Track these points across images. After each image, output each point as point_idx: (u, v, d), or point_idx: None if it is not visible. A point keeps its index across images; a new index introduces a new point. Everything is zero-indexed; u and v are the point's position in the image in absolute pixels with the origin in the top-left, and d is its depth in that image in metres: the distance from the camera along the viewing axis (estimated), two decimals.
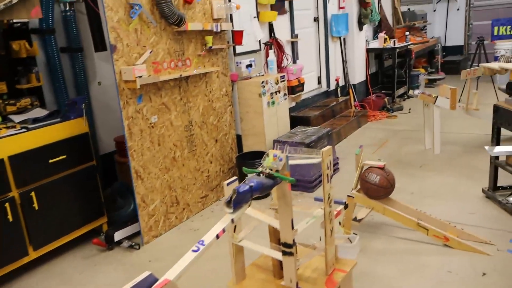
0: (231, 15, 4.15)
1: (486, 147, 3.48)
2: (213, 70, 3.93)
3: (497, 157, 3.52)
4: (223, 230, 1.66)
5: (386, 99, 7.02)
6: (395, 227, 3.34)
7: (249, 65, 4.35)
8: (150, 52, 3.27)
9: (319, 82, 6.44)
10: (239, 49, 4.31)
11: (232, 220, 1.69)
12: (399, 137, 5.63)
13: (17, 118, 3.23)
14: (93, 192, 3.48)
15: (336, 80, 6.47)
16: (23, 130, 3.05)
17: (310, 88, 6.23)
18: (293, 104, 5.63)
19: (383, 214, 3.17)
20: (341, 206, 2.36)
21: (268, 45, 4.72)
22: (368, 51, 7.23)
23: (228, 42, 4.12)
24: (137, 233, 3.48)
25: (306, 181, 4.21)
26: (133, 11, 3.10)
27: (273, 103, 4.40)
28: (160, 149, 3.52)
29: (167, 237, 3.60)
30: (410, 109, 6.91)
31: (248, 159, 4.17)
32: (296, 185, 4.24)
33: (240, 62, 4.28)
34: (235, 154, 4.39)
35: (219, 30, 3.82)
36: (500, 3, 9.83)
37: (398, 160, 4.79)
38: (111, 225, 3.60)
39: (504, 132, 3.55)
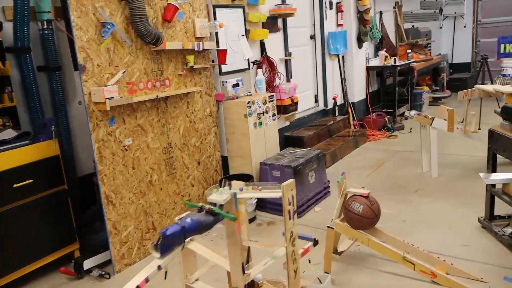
0: (216, 34, 4.02)
1: (481, 174, 3.25)
2: (195, 90, 3.79)
3: (493, 185, 3.28)
4: (146, 280, 1.47)
5: (386, 118, 6.80)
6: (382, 260, 3.11)
7: (236, 85, 4.20)
8: (123, 73, 3.14)
9: (316, 101, 6.26)
10: (225, 68, 4.17)
11: (159, 267, 1.50)
12: (397, 159, 5.40)
13: None
14: (64, 217, 3.32)
15: (333, 98, 6.28)
16: None
17: (307, 107, 6.06)
18: (287, 123, 5.45)
19: (367, 246, 2.95)
20: (310, 243, 2.15)
21: (256, 64, 4.57)
22: (369, 69, 7.04)
23: (213, 61, 3.98)
24: (110, 261, 3.31)
25: None
26: (104, 30, 2.98)
27: (260, 124, 4.23)
28: (135, 173, 3.37)
29: (142, 265, 3.40)
30: (411, 128, 6.67)
31: None
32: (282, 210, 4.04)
33: (226, 82, 4.13)
34: (220, 176, 4.21)
35: (201, 49, 3.68)
36: (508, 20, 9.60)
37: (394, 183, 4.56)
38: (86, 251, 3.44)
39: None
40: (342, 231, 3.02)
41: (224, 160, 4.33)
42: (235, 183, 2.11)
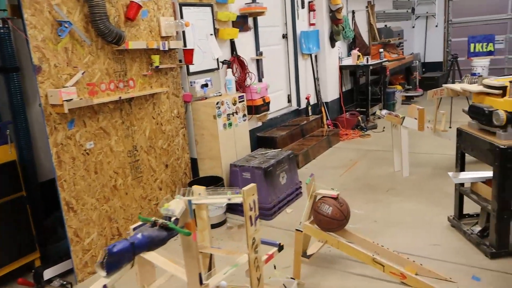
0: (184, 33, 3.91)
1: (450, 174, 3.25)
2: (161, 91, 3.67)
3: (462, 184, 3.28)
4: None
5: (360, 118, 6.81)
6: (352, 262, 3.07)
7: (205, 85, 4.10)
8: (83, 73, 3.00)
9: (289, 101, 6.21)
10: (193, 68, 4.06)
11: (105, 287, 1.40)
12: (370, 158, 5.39)
13: None
14: (23, 225, 3.17)
15: (306, 98, 6.25)
16: None
17: (279, 107, 6.00)
18: (259, 124, 5.38)
19: (337, 248, 2.90)
20: (274, 249, 2.08)
21: (226, 64, 4.48)
22: (342, 68, 7.04)
23: (180, 61, 3.87)
24: (72, 270, 3.17)
25: (263, 208, 3.93)
26: (61, 29, 2.84)
27: (230, 125, 4.14)
28: (98, 178, 3.23)
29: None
30: (384, 127, 6.70)
31: (202, 185, 3.88)
32: None
33: (195, 82, 4.03)
34: (189, 179, 4.10)
35: (166, 49, 3.57)
36: (478, 20, 9.78)
37: (366, 183, 4.54)
38: (48, 260, 3.28)
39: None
40: (311, 233, 2.96)
41: (194, 162, 4.23)
42: (196, 188, 2.02)
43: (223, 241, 3.62)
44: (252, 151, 4.58)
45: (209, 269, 2.10)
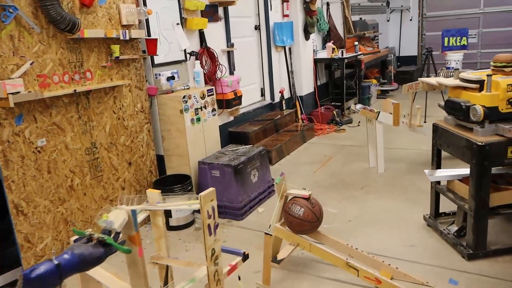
0: (147, 22, 3.65)
1: (426, 171, 3.12)
2: (123, 84, 3.41)
3: (438, 182, 3.17)
4: None
5: (335, 112, 6.68)
6: (326, 265, 2.91)
7: (171, 77, 3.86)
8: (31, 64, 2.72)
9: (262, 94, 6.02)
10: (158, 59, 3.81)
11: None
12: (344, 153, 5.27)
13: None
14: None
15: (280, 92, 6.07)
16: None
17: (252, 100, 5.81)
18: (231, 118, 5.18)
19: (309, 252, 2.73)
20: (238, 258, 1.89)
21: (194, 55, 4.24)
22: (316, 61, 6.88)
23: (144, 52, 3.62)
24: None
25: (233, 208, 3.74)
26: (4, 14, 2.55)
27: (198, 119, 3.91)
28: (51, 178, 2.97)
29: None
30: (359, 122, 6.59)
31: (168, 184, 3.66)
32: (223, 212, 3.78)
33: (160, 74, 3.78)
34: (155, 177, 3.87)
35: (127, 38, 3.31)
36: (452, 14, 9.79)
37: (341, 180, 4.40)
38: (1, 267, 3.01)
39: None
40: (282, 236, 2.79)
41: (160, 159, 3.99)
42: (150, 193, 1.81)
43: (190, 243, 3.42)
44: (223, 147, 4.38)
45: (166, 282, 1.90)
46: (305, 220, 2.67)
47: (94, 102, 3.24)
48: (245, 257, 1.89)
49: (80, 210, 3.20)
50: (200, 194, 1.55)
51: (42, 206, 2.92)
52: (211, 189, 1.59)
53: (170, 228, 3.64)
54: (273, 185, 4.28)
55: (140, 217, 1.57)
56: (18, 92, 2.60)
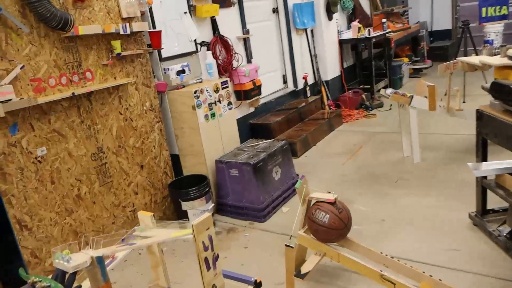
0: (151, 12, 3.37)
1: (470, 165, 2.72)
2: (128, 82, 3.16)
3: (485, 176, 2.76)
4: None
5: (364, 96, 6.24)
6: (357, 275, 2.59)
7: (181, 71, 3.58)
8: (22, 67, 2.49)
9: (285, 82, 5.66)
10: (166, 53, 3.53)
11: None
12: (375, 141, 4.86)
13: None
14: None
15: (303, 78, 5.69)
16: None
17: (274, 89, 5.46)
18: (252, 110, 4.86)
19: (337, 262, 2.42)
20: None
21: (205, 45, 3.93)
22: (342, 42, 6.43)
23: (149, 46, 3.34)
24: None
25: (255, 209, 3.45)
26: None
27: (213, 115, 3.63)
28: (55, 188, 2.76)
29: None
30: (391, 105, 6.13)
31: (185, 186, 3.41)
32: (244, 213, 3.51)
33: (169, 69, 3.50)
34: (170, 179, 3.63)
35: (128, 32, 3.04)
36: None
37: (372, 172, 4.03)
38: (11, 283, 2.86)
39: None
40: (307, 244, 2.49)
41: (176, 159, 3.74)
42: (142, 216, 1.54)
43: None
44: (243, 141, 4.09)
45: None
46: (331, 228, 2.35)
47: (97, 104, 3.00)
48: (257, 285, 1.60)
49: (90, 220, 3.00)
50: (192, 223, 1.26)
51: (47, 219, 2.73)
52: (206, 215, 1.30)
53: None
54: (298, 181, 3.95)
55: (122, 253, 1.30)
56: (9, 100, 2.38)
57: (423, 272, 2.38)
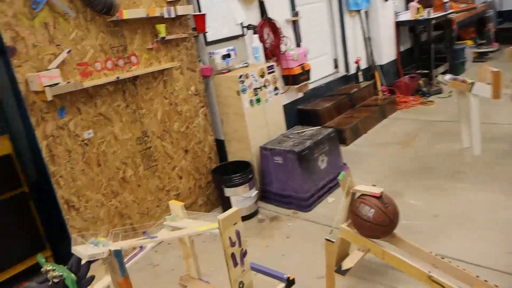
0: None
1: None
2: (172, 66, 3.14)
3: None
4: None
5: (421, 81, 5.88)
6: (403, 274, 2.43)
7: (227, 55, 3.51)
8: (68, 52, 2.53)
9: (336, 66, 5.45)
10: (211, 36, 3.48)
11: None
12: (432, 131, 4.57)
13: None
14: (27, 222, 2.87)
15: (356, 62, 5.44)
16: None
17: (324, 73, 5.27)
18: (300, 95, 4.73)
19: (382, 259, 2.28)
20: (282, 285, 1.52)
21: (252, 29, 3.83)
22: (398, 24, 6.07)
23: (194, 29, 3.30)
24: None
25: (299, 198, 3.36)
26: (35, 1, 2.37)
27: (258, 100, 3.54)
28: (102, 171, 2.82)
29: None
30: (451, 92, 5.72)
31: (229, 172, 3.38)
32: (288, 202, 3.42)
33: (214, 53, 3.45)
34: (215, 164, 3.61)
35: (173, 16, 3.00)
36: None
37: (426, 164, 3.78)
38: (63, 258, 3.00)
39: None
40: (350, 239, 2.36)
41: (221, 144, 3.71)
42: (173, 206, 1.50)
43: (250, 238, 3.13)
44: (291, 127, 3.98)
45: None
46: (376, 224, 2.21)
47: (142, 89, 3.01)
48: (290, 283, 1.52)
49: (135, 202, 3.05)
50: (218, 217, 1.20)
51: (94, 200, 2.80)
52: (234, 209, 1.23)
53: None
54: None
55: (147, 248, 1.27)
56: (56, 84, 2.43)
57: (477, 276, 2.19)
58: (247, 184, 3.31)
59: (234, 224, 1.24)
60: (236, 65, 3.64)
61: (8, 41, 2.32)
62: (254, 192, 3.37)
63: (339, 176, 2.29)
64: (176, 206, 1.50)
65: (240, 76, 3.36)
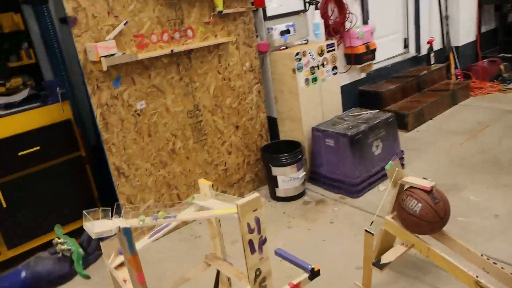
0: None
1: None
2: (228, 41, 3.11)
3: None
4: None
5: (502, 66, 5.36)
6: (449, 274, 2.28)
7: (285, 31, 3.41)
8: (125, 23, 2.59)
9: (406, 46, 5.11)
10: (271, 11, 3.38)
11: None
12: (506, 122, 4.17)
13: (1, 101, 2.89)
14: (83, 184, 3.05)
15: (429, 42, 5.07)
16: None
17: (392, 53, 4.98)
18: (363, 75, 4.52)
19: (426, 257, 2.15)
20: (304, 276, 1.47)
21: (313, 4, 3.67)
22: (482, 2, 5.53)
23: (252, 4, 3.23)
24: None
25: (348, 183, 3.25)
26: None
27: (314, 79, 3.43)
28: (152, 141, 2.91)
29: (160, 243, 3.03)
30: None
31: (278, 150, 3.34)
32: (337, 186, 3.33)
33: (272, 28, 3.36)
34: (266, 142, 3.58)
35: None
36: None
37: (494, 158, 3.47)
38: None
39: None
40: (394, 232, 2.25)
41: (273, 122, 3.67)
42: (202, 184, 1.50)
43: (294, 219, 3.09)
44: (350, 108, 3.84)
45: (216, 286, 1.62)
46: (422, 219, 2.08)
47: (196, 62, 3.03)
48: (314, 274, 1.47)
49: (183, 174, 3.13)
50: (237, 202, 1.17)
51: (143, 169, 2.91)
52: (255, 195, 1.19)
53: (276, 198, 3.36)
54: (403, 158, 3.61)
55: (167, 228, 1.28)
56: (112, 55, 2.50)
57: None
58: (295, 164, 3.25)
59: (254, 211, 1.20)
60: (295, 42, 3.54)
61: (70, 12, 2.41)
62: (302, 174, 3.31)
63: (387, 165, 2.16)
64: (204, 185, 1.49)
65: (297, 54, 3.26)
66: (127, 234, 1.02)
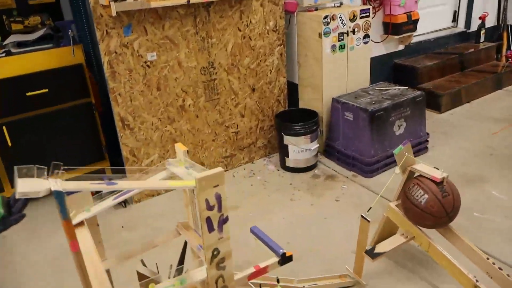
0: None
1: None
2: None
3: None
4: None
5: None
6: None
7: None
8: None
9: (454, 20, 4.68)
10: None
11: None
12: None
13: (16, 38, 2.85)
14: (91, 131, 3.02)
15: (481, 18, 4.61)
16: (3, 54, 2.65)
17: (438, 26, 4.59)
18: (401, 47, 4.20)
19: (426, 252, 2.00)
20: (273, 260, 1.36)
21: None
22: None
23: None
24: None
25: (362, 161, 3.07)
26: None
27: (342, 47, 3.18)
28: (161, 95, 2.81)
29: (164, 198, 3.01)
30: None
31: (293, 119, 3.17)
32: (350, 163, 3.16)
33: None
34: (282, 108, 3.42)
35: None
36: None
37: None
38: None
39: None
40: (396, 220, 2.10)
41: (294, 89, 3.48)
42: (177, 148, 1.39)
43: (300, 191, 2.97)
44: (380, 81, 3.60)
45: (181, 261, 1.54)
46: (426, 212, 1.91)
47: (215, 16, 2.85)
48: (285, 260, 1.36)
49: (190, 132, 3.04)
50: (197, 175, 1.05)
51: (149, 123, 2.84)
52: (217, 170, 1.06)
53: (286, 168, 3.23)
54: (427, 141, 3.37)
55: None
56: (123, 0, 2.37)
57: None
58: (309, 135, 3.08)
59: (215, 186, 1.08)
60: (327, 3, 3.27)
61: None
62: (314, 146, 3.15)
63: (395, 150, 1.97)
64: (180, 149, 1.38)
65: (325, 17, 3.01)
66: (59, 197, 0.93)
